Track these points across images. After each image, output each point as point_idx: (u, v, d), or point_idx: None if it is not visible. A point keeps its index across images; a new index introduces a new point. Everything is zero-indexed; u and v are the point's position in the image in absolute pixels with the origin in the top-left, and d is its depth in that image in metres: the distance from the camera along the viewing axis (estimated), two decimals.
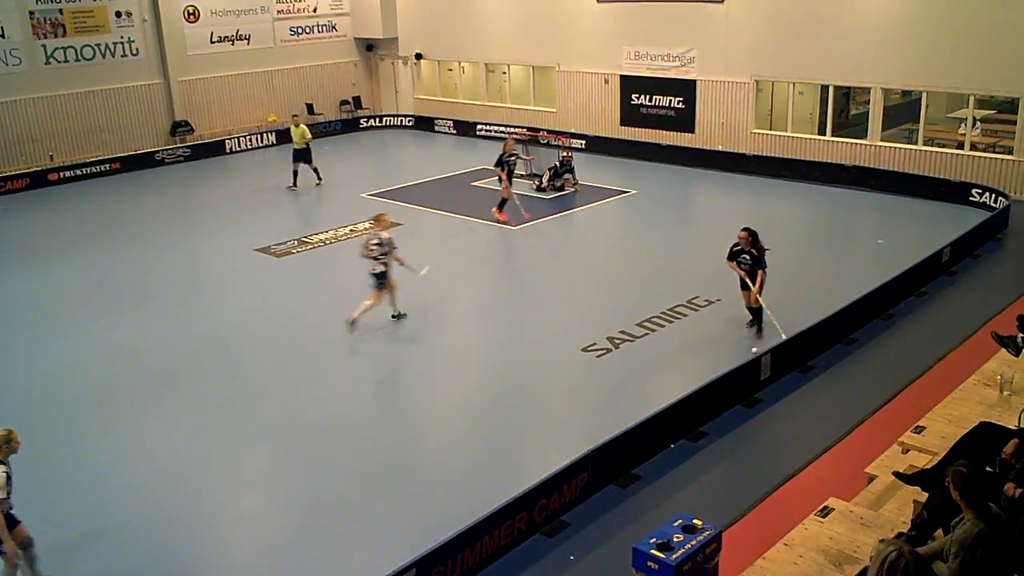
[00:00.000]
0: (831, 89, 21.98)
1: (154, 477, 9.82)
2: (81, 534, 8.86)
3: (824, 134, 22.36)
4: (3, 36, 24.88)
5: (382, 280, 13.33)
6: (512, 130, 25.72)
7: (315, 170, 23.19)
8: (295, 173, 23.02)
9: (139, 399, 11.71)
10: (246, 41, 29.87)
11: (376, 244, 13.29)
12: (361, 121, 31.86)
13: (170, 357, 12.99)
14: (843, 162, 21.49)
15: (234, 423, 11.02)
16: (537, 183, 21.88)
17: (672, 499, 9.00)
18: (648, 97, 25.40)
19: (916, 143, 21.09)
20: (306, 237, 18.34)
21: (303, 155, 22.97)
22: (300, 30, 31.32)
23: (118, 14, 26.95)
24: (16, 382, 12.34)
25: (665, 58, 24.62)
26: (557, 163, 22.21)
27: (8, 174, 24.15)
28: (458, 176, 23.89)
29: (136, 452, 10.40)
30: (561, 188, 21.69)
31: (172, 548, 8.60)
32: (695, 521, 6.51)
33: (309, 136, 22.99)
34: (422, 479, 9.65)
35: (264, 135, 29.44)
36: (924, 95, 20.67)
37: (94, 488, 9.68)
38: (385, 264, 13.30)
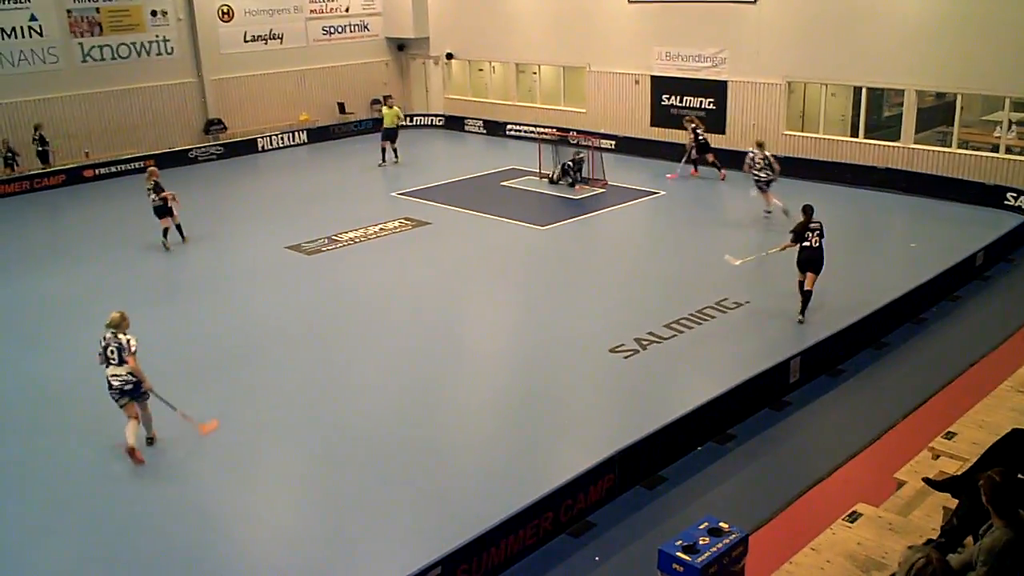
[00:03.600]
0: (864, 91, 21.77)
1: (178, 472, 9.94)
2: (112, 522, 8.99)
3: (856, 136, 22.16)
4: (41, 34, 25.26)
5: None
6: (542, 130, 25.74)
7: (395, 150, 25.34)
8: (383, 151, 25.25)
9: (166, 393, 11.84)
10: (279, 40, 30.12)
11: None
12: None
13: (196, 352, 13.16)
14: (875, 164, 21.29)
15: (259, 419, 11.12)
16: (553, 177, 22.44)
17: (699, 501, 8.98)
18: (679, 98, 25.31)
19: (950, 146, 20.82)
20: (336, 235, 18.46)
21: (391, 135, 25.16)
22: (332, 29, 31.52)
23: (153, 13, 27.29)
24: (42, 376, 12.55)
25: (696, 58, 24.52)
26: (570, 161, 22.41)
27: (45, 171, 24.51)
28: (488, 176, 23.94)
29: (161, 446, 10.51)
30: (572, 185, 22.12)
31: (198, 541, 8.72)
32: (722, 524, 6.50)
33: (401, 117, 25.66)
34: (448, 476, 9.69)
35: (296, 134, 29.65)
36: (959, 97, 20.43)
37: (122, 480, 9.82)
38: None
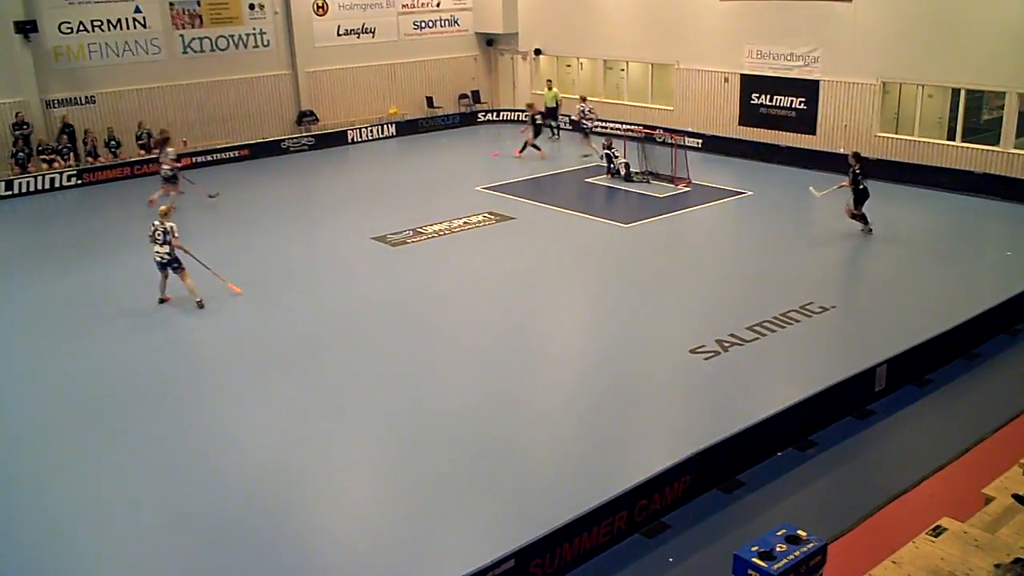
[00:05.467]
0: (962, 93, 21.07)
1: (261, 456, 10.24)
2: (193, 505, 9.35)
3: (953, 139, 21.45)
4: (145, 26, 26.24)
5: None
6: (628, 127, 25.64)
7: (556, 128, 28.23)
8: (550, 128, 27.85)
9: (253, 378, 12.24)
10: (371, 34, 30.66)
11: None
12: (479, 115, 32.25)
13: (282, 339, 13.52)
14: (972, 169, 20.60)
15: (342, 405, 11.39)
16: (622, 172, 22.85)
17: (776, 508, 8.88)
18: (768, 97, 24.90)
19: None
20: (421, 227, 18.73)
21: (551, 114, 27.85)
22: (423, 24, 31.92)
23: (251, 7, 28.08)
24: (145, 354, 13.12)
25: (788, 57, 24.07)
26: (605, 148, 23.16)
27: (144, 158, 25.44)
28: (572, 172, 23.96)
29: (246, 428, 10.88)
30: (628, 177, 22.61)
31: (278, 522, 8.98)
32: (799, 532, 6.42)
33: (559, 98, 28.19)
34: (524, 471, 9.77)
35: (384, 126, 30.14)
36: None
37: (208, 460, 10.18)
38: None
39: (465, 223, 19.04)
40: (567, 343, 13.58)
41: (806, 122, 23.91)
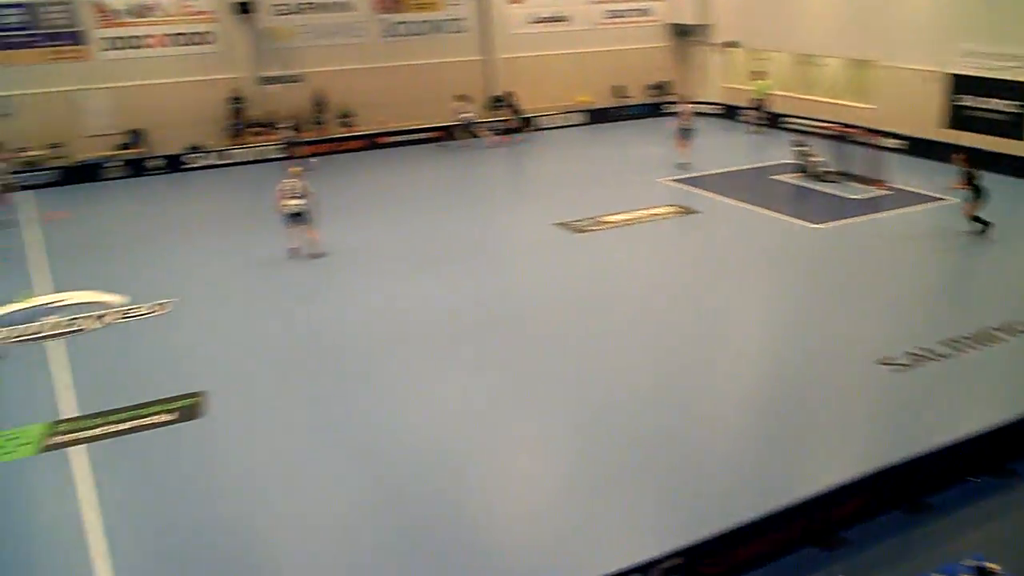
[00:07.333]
0: None
1: (432, 431, 10.59)
2: (365, 478, 9.80)
3: None
4: (350, 10, 27.57)
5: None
6: (823, 125, 24.67)
7: (761, 122, 28.21)
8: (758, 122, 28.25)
9: (433, 351, 12.72)
10: (565, 23, 30.90)
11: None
12: (666, 106, 31.90)
13: (463, 315, 13.98)
14: None
15: (515, 386, 11.61)
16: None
17: (966, 537, 8.39)
18: (979, 99, 23.30)
19: None
20: (604, 216, 18.77)
21: (758, 104, 28.13)
22: (616, 13, 31.86)
23: None
24: (329, 321, 13.86)
25: (1004, 57, 22.42)
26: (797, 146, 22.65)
27: (346, 135, 26.79)
28: (760, 168, 23.35)
29: (419, 400, 11.28)
30: (820, 176, 21.86)
31: (443, 498, 9.25)
32: (990, 564, 6.09)
33: (767, 92, 28.22)
34: (696, 466, 9.66)
35: (573, 114, 30.34)
36: None
37: (376, 431, 10.63)
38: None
39: (649, 214, 18.94)
40: (748, 342, 13.27)
41: (1021, 127, 22.23)
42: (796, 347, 12.76)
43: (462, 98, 27.20)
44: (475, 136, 27.21)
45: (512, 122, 28.16)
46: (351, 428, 10.67)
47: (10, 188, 21.96)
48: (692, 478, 9.47)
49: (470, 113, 27.33)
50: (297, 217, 16.81)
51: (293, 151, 24.83)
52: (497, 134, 27.56)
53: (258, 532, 8.77)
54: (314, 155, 25.65)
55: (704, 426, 10.63)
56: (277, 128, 26.16)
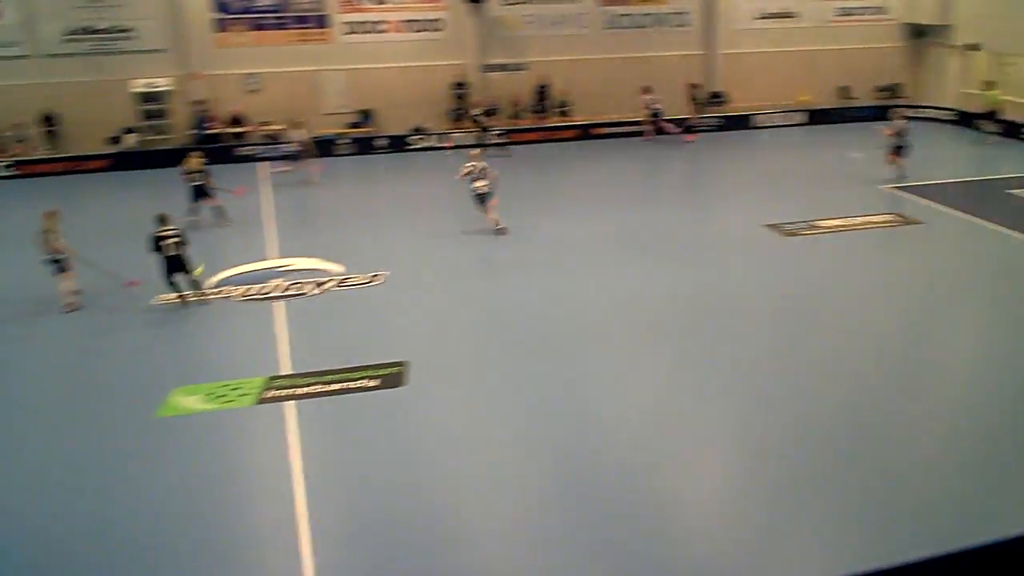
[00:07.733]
0: None
1: (624, 417, 10.69)
2: (551, 466, 10.05)
3: None
4: (577, 1, 28.09)
5: None
6: None
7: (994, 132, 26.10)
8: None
9: (637, 342, 12.85)
10: (792, 19, 30.06)
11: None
12: (894, 111, 30.29)
13: (664, 308, 14.00)
14: None
15: (711, 383, 11.46)
16: None
17: None
18: None
19: None
20: (817, 221, 18.22)
21: (991, 112, 26.09)
22: (848, 11, 30.64)
23: None
24: (535, 303, 14.28)
25: None
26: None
27: (561, 124, 27.37)
28: (993, 180, 21.85)
29: (616, 393, 11.40)
30: None
31: (628, 486, 9.30)
32: None
33: (998, 100, 25.99)
34: (900, 485, 9.23)
35: (792, 113, 29.50)
36: None
37: (567, 419, 10.80)
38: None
39: (866, 222, 18.19)
40: (957, 362, 12.52)
41: None
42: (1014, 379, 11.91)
43: (648, 90, 26.87)
44: (663, 132, 26.89)
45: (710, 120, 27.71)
46: (543, 416, 10.75)
47: (310, 154, 23.43)
48: (894, 497, 9.10)
49: (659, 105, 26.85)
50: (483, 197, 17.76)
51: (484, 138, 25.44)
52: (696, 131, 27.17)
53: (444, 499, 9.08)
54: (512, 144, 26.56)
55: (902, 449, 10.16)
56: (474, 117, 26.72)
